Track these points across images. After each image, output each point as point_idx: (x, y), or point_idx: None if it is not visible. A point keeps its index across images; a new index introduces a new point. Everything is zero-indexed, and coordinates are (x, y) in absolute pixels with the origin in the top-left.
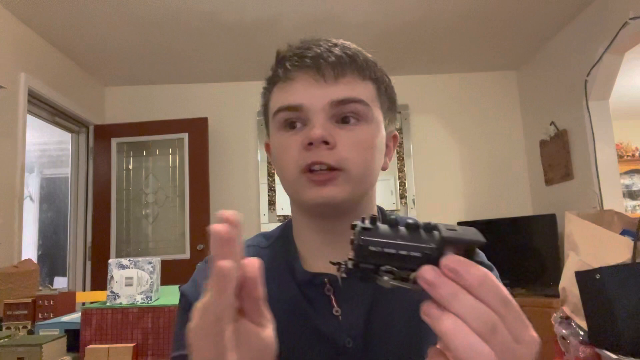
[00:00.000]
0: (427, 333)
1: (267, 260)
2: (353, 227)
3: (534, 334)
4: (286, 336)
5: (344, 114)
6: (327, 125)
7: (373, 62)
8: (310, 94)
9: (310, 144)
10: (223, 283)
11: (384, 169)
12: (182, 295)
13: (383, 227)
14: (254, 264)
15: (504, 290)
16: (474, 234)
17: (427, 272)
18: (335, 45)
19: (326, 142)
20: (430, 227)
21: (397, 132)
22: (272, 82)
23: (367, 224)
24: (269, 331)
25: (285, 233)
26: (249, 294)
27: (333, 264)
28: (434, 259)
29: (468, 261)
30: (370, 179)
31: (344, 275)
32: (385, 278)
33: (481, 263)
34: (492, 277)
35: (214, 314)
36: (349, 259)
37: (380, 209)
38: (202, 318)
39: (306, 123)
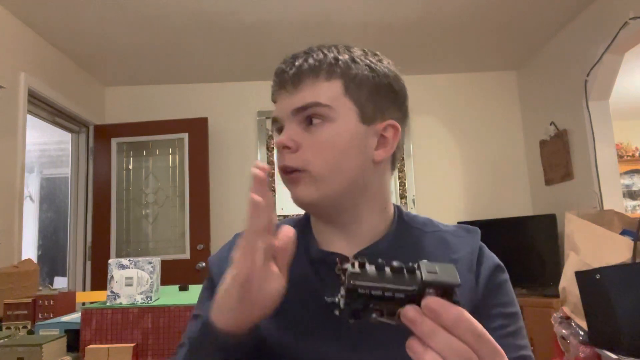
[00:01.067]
0: None
1: None
2: (344, 271)
3: None
4: (296, 308)
5: (308, 117)
6: (296, 130)
7: (348, 59)
8: (280, 107)
9: (279, 150)
10: (255, 210)
11: (377, 161)
12: (208, 263)
13: (370, 270)
14: (289, 230)
15: (478, 327)
16: (451, 276)
17: (409, 312)
18: (307, 54)
19: (288, 147)
20: (412, 270)
21: (395, 122)
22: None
23: (357, 268)
24: (282, 282)
25: (306, 218)
26: (282, 250)
27: (327, 303)
28: (416, 298)
29: (445, 302)
30: (341, 177)
31: (336, 312)
32: (374, 315)
33: (494, 264)
34: (467, 316)
35: (249, 234)
36: (341, 296)
37: (397, 208)
38: (241, 240)
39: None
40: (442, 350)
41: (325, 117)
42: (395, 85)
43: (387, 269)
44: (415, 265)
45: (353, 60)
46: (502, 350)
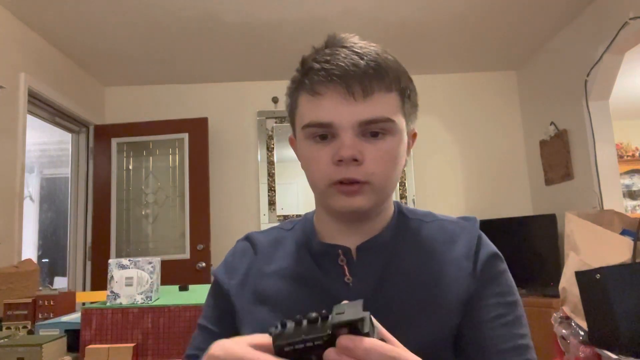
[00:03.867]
0: (426, 308)
1: (289, 241)
2: (270, 334)
3: None
4: (299, 301)
5: (372, 130)
6: (355, 141)
7: (397, 69)
8: (339, 112)
9: (340, 160)
10: None
11: (404, 167)
12: (213, 274)
13: (290, 327)
14: None
15: (390, 351)
16: (355, 313)
17: (329, 355)
18: (362, 56)
19: (355, 159)
20: (325, 317)
21: (416, 130)
22: (297, 88)
23: (279, 328)
24: None
25: (307, 217)
26: None
27: None
28: (333, 340)
29: (355, 338)
30: (392, 186)
31: None
32: None
33: (492, 253)
34: (378, 344)
35: None
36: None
37: (397, 203)
38: None
39: (335, 136)
40: None
41: (389, 131)
42: (417, 98)
43: (305, 322)
44: (325, 314)
45: (399, 71)
46: None
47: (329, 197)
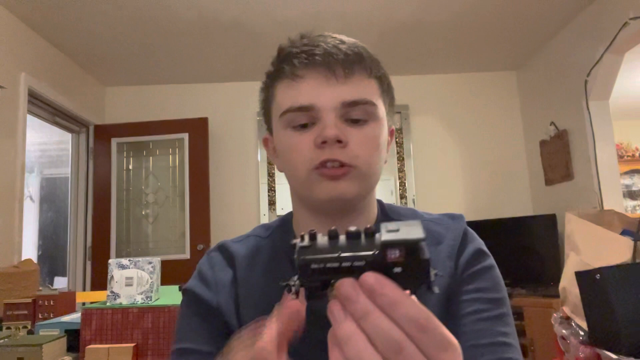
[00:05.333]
0: None
1: (267, 249)
2: (293, 246)
3: (453, 356)
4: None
5: (354, 116)
6: (338, 123)
7: (377, 59)
8: (321, 93)
9: (324, 142)
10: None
11: (384, 162)
12: (188, 291)
13: (322, 241)
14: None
15: (421, 313)
16: (414, 232)
17: (344, 286)
18: (342, 42)
19: (339, 141)
20: (371, 232)
21: (393, 127)
22: (274, 78)
23: (306, 241)
24: None
25: (284, 224)
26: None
27: (282, 285)
28: (378, 264)
29: (386, 281)
30: (376, 175)
31: (293, 296)
32: (334, 292)
33: (475, 250)
34: (407, 300)
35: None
36: (297, 278)
37: (380, 203)
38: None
39: (316, 122)
40: (371, 333)
41: (371, 115)
42: (394, 94)
43: (342, 237)
44: (373, 228)
45: (379, 62)
46: (455, 342)
47: (311, 184)
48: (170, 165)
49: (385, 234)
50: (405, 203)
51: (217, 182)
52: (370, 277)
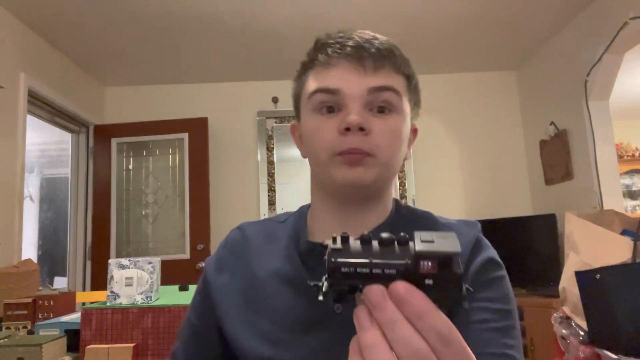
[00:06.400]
0: None
1: (279, 234)
2: (325, 247)
3: None
4: (286, 303)
5: (379, 103)
6: (362, 112)
7: (407, 59)
8: (349, 80)
9: (347, 129)
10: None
11: (405, 158)
12: (205, 267)
13: (355, 245)
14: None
15: (445, 325)
16: (449, 245)
17: (372, 293)
18: (375, 37)
19: (362, 129)
20: (405, 241)
21: (417, 127)
22: (308, 67)
23: (338, 244)
24: None
25: (302, 210)
26: None
27: (310, 286)
28: (410, 274)
29: (416, 292)
30: (395, 166)
31: (320, 298)
32: (362, 297)
33: (486, 259)
34: (435, 312)
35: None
36: (325, 279)
37: (395, 201)
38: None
39: (342, 108)
40: (396, 343)
41: (395, 106)
42: (420, 95)
43: (375, 242)
44: (409, 236)
45: (408, 61)
46: (473, 357)
47: (330, 168)
48: (170, 165)
49: (419, 244)
50: (405, 203)
51: (217, 182)
52: (401, 287)
